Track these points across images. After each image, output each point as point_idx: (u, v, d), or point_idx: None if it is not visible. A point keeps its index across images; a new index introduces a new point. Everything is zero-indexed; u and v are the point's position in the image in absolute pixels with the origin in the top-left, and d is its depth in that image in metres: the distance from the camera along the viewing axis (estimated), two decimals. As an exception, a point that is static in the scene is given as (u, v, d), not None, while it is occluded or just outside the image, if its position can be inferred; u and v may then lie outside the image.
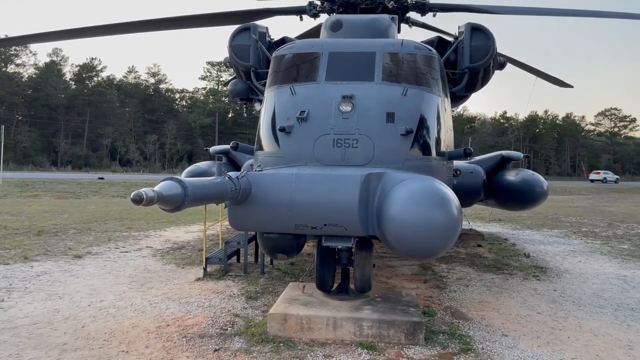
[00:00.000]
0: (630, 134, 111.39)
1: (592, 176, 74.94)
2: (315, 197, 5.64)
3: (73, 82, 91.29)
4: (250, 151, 8.10)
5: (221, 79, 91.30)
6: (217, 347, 6.09)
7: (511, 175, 12.26)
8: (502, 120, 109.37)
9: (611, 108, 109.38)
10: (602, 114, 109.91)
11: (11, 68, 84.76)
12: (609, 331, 7.02)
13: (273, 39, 10.40)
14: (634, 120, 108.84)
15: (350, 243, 6.34)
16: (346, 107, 6.77)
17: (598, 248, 14.41)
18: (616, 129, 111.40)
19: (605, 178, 73.08)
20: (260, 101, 9.32)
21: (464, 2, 11.09)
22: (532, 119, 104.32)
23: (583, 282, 10.04)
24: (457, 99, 10.59)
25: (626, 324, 7.40)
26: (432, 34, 11.13)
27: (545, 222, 21.19)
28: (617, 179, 75.41)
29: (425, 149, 7.09)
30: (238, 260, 10.90)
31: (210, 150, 14.14)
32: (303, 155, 6.68)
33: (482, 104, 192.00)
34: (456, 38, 9.77)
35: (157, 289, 8.85)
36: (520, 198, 11.92)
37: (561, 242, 15.42)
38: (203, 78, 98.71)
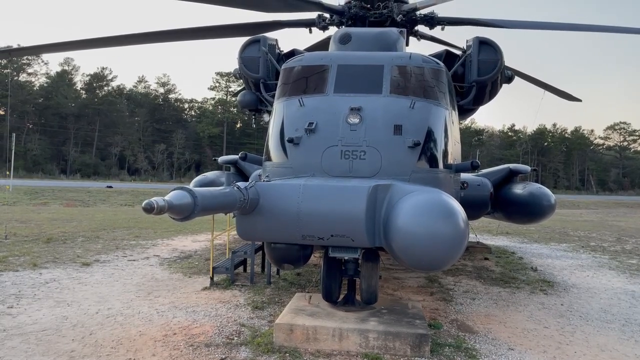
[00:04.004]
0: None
1: None
2: (323, 208, 5.70)
3: (84, 91, 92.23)
4: (259, 161, 8.17)
5: (230, 90, 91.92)
6: (224, 357, 6.12)
7: (519, 189, 12.23)
8: (510, 133, 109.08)
9: (620, 122, 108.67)
10: (611, 127, 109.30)
11: (23, 77, 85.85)
12: (616, 347, 6.97)
13: (282, 51, 10.53)
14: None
15: (356, 254, 6.38)
16: (354, 119, 6.83)
17: (606, 263, 14.31)
18: (625, 143, 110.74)
19: None
20: (269, 112, 9.43)
21: (472, 15, 11.19)
22: (541, 132, 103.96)
23: (591, 296, 9.98)
24: (464, 112, 10.63)
25: (634, 339, 7.35)
26: (440, 47, 11.21)
27: (553, 235, 21.09)
28: None
29: (433, 162, 7.13)
30: (245, 270, 10.96)
31: (219, 160, 14.22)
32: (311, 166, 6.74)
33: (490, 116, 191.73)
34: (464, 51, 9.85)
35: (164, 297, 8.90)
36: (527, 211, 11.87)
37: (569, 256, 15.33)
38: (212, 88, 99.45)
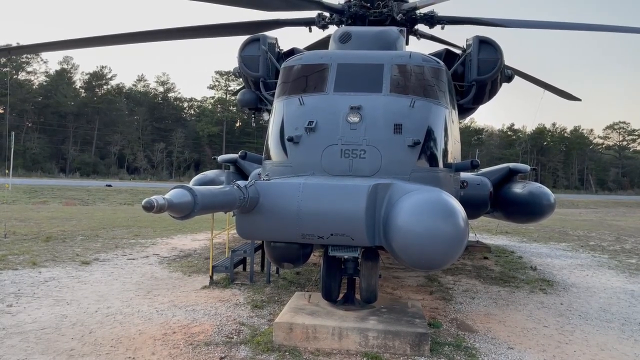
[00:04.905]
0: (639, 147, 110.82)
1: None
2: (322, 206, 5.69)
3: (83, 90, 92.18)
4: (259, 160, 8.17)
5: (229, 89, 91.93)
6: (223, 355, 6.12)
7: (518, 188, 12.23)
8: (509, 133, 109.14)
9: (620, 122, 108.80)
10: (611, 127, 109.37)
11: (22, 75, 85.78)
12: (616, 346, 6.98)
13: (282, 49, 10.52)
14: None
15: (356, 253, 6.37)
16: (354, 118, 6.83)
17: (606, 262, 14.31)
18: (624, 143, 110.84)
19: None
20: (269, 111, 9.42)
21: (472, 14, 11.17)
22: (540, 132, 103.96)
23: (590, 296, 9.98)
24: (464, 111, 10.63)
25: (633, 338, 7.35)
26: (440, 47, 11.19)
27: (553, 235, 21.10)
28: None
29: (432, 161, 7.13)
30: (244, 268, 10.95)
31: (219, 159, 14.22)
32: (311, 165, 6.74)
33: (489, 116, 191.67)
34: (464, 50, 9.85)
35: (163, 296, 8.90)
36: (527, 210, 11.88)
37: (568, 256, 15.34)
38: (211, 87, 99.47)
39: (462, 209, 5.51)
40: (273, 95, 8.54)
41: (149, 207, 4.21)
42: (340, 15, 10.76)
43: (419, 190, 5.67)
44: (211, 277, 9.97)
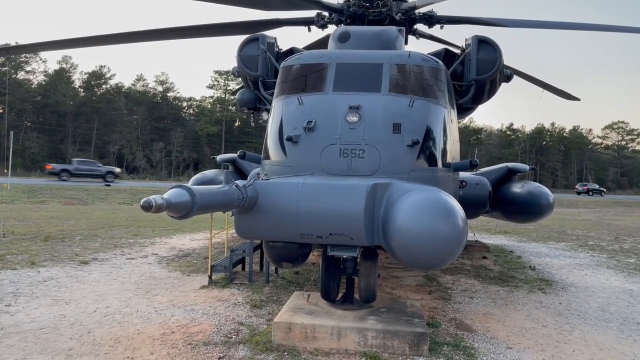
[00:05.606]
0: (638, 147, 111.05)
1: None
2: (321, 206, 5.68)
3: (82, 90, 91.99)
4: (258, 160, 8.17)
5: (228, 88, 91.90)
6: (222, 355, 6.11)
7: (517, 188, 12.25)
8: (508, 132, 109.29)
9: (618, 121, 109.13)
10: (610, 127, 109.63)
11: (21, 75, 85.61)
12: (615, 345, 6.98)
13: (281, 49, 10.53)
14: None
15: (355, 253, 6.36)
16: (353, 118, 6.83)
17: (604, 262, 14.32)
18: (623, 142, 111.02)
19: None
20: (268, 111, 9.42)
21: (472, 14, 11.17)
22: (539, 132, 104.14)
23: (589, 295, 9.99)
24: (463, 110, 10.63)
25: (632, 338, 7.36)
26: (439, 46, 11.20)
27: (551, 234, 21.10)
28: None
29: (431, 160, 7.13)
30: (243, 268, 10.94)
31: (218, 158, 14.21)
32: (309, 165, 6.74)
33: (488, 115, 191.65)
34: (463, 50, 9.86)
35: (162, 296, 8.89)
36: (526, 210, 11.90)
37: (567, 255, 15.34)
38: (210, 87, 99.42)
39: (461, 208, 5.51)
40: (272, 94, 8.54)
41: (147, 207, 4.20)
42: (339, 15, 10.76)
43: (418, 190, 5.67)
44: (210, 277, 9.96)
